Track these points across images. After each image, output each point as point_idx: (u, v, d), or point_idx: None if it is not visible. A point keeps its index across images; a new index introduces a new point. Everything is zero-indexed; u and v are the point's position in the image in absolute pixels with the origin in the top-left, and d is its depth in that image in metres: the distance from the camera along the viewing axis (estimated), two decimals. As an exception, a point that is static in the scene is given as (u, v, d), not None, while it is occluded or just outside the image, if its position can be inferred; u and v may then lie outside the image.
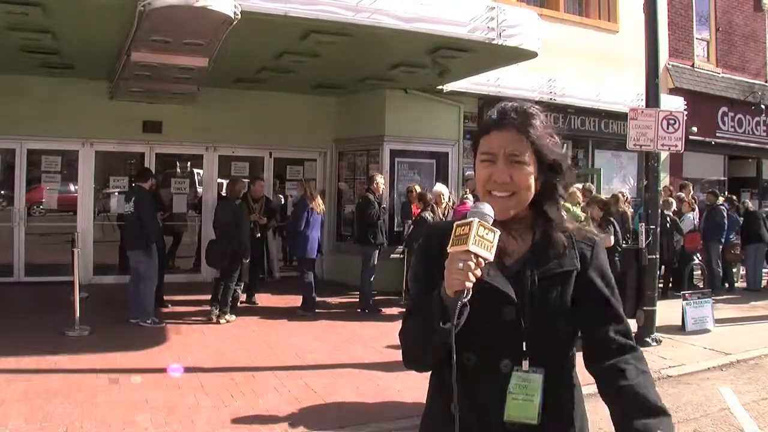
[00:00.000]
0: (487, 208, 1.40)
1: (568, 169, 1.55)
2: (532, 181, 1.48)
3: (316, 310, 8.21)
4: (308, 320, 7.83)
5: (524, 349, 1.45)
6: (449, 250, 1.35)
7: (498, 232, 1.36)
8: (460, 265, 1.32)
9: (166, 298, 8.21)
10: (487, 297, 1.40)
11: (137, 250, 7.28)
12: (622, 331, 1.51)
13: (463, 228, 1.35)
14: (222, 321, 7.44)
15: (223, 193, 10.51)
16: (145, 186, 7.45)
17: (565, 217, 1.58)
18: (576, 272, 1.50)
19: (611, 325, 1.50)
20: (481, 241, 1.33)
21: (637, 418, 1.39)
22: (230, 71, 8.70)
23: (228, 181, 8.47)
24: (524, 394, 1.43)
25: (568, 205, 5.09)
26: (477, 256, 1.33)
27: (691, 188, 11.59)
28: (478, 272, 1.34)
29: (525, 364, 1.45)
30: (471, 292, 1.33)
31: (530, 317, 1.45)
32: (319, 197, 8.50)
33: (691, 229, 10.34)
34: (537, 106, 1.55)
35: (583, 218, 5.70)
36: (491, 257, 1.35)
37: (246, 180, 8.80)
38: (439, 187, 8.85)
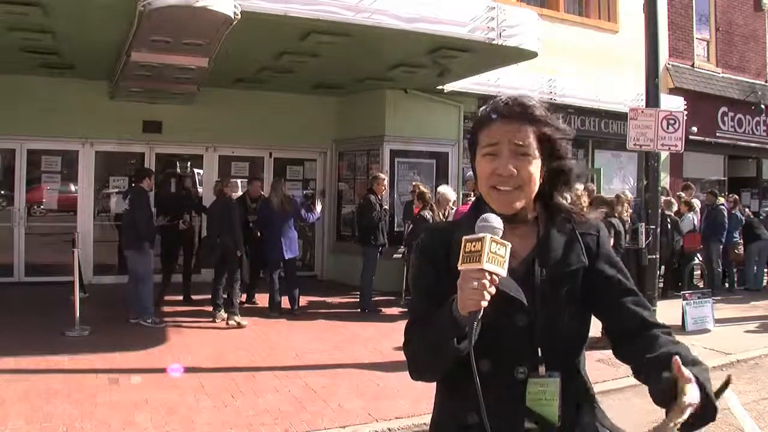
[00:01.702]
0: (497, 221, 1.34)
1: (573, 160, 1.51)
2: (537, 173, 1.44)
3: (318, 310, 8.24)
4: (307, 320, 7.85)
5: (539, 354, 1.42)
6: (460, 268, 1.30)
7: (509, 245, 1.32)
8: (475, 284, 1.27)
9: (168, 298, 8.25)
10: (498, 303, 1.34)
11: (131, 249, 7.26)
12: (643, 306, 1.48)
13: (473, 244, 1.30)
14: (231, 322, 7.31)
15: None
16: (142, 185, 7.42)
17: (568, 205, 1.55)
18: (584, 267, 1.47)
19: (630, 302, 1.47)
20: (495, 258, 1.29)
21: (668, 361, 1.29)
22: (230, 71, 8.70)
23: (222, 182, 8.37)
24: (543, 398, 1.41)
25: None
26: (491, 273, 1.29)
27: (693, 190, 11.53)
28: (493, 290, 1.29)
29: (541, 369, 1.42)
30: (482, 310, 1.30)
31: (543, 322, 1.41)
32: (275, 196, 8.19)
33: (691, 229, 10.34)
34: (535, 98, 1.51)
35: None
36: (504, 273, 1.31)
37: (237, 180, 8.80)
38: (445, 189, 8.79)
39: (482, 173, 1.45)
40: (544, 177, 1.47)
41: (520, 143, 1.42)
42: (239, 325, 7.29)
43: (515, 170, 1.41)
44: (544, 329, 1.41)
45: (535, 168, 1.44)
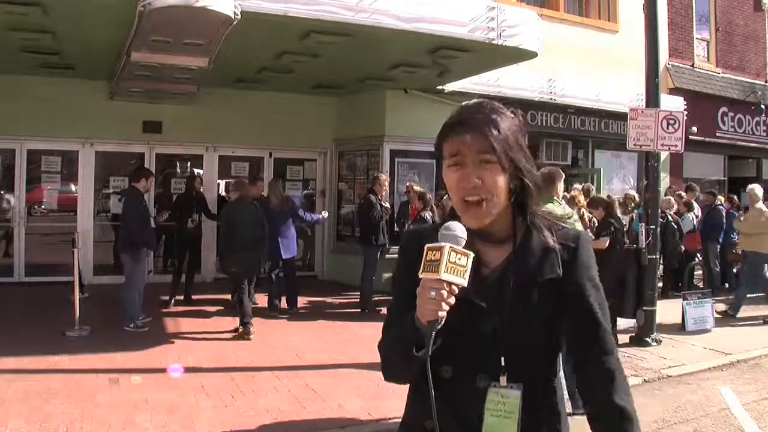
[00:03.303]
0: (460, 230, 1.31)
1: (531, 170, 1.44)
2: (503, 182, 1.38)
3: (318, 310, 8.22)
4: (307, 320, 7.84)
5: (502, 364, 1.38)
6: (420, 275, 1.28)
7: (472, 255, 1.29)
8: (432, 293, 1.26)
9: (167, 298, 8.25)
10: (463, 309, 1.31)
11: (123, 252, 7.12)
12: (607, 353, 1.44)
13: (434, 252, 1.27)
14: (252, 333, 6.84)
15: (223, 193, 10.53)
16: (137, 186, 7.23)
17: (549, 215, 1.51)
18: (558, 278, 1.42)
19: (596, 348, 1.43)
20: (454, 268, 1.26)
21: None
22: (230, 71, 8.70)
23: (244, 181, 7.88)
24: (502, 411, 1.37)
25: (551, 205, 5.10)
26: (450, 283, 1.26)
27: (696, 191, 11.51)
28: (452, 300, 1.27)
29: (503, 380, 1.38)
30: (444, 320, 1.28)
31: (508, 331, 1.38)
32: (274, 196, 8.07)
33: (690, 230, 10.33)
34: (500, 104, 1.45)
35: (572, 217, 5.67)
36: (465, 283, 1.28)
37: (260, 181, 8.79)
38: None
39: (449, 185, 1.43)
40: (516, 187, 1.42)
41: (484, 152, 1.37)
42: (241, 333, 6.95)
43: (479, 180, 1.37)
44: (508, 337, 1.38)
45: (499, 175, 1.38)
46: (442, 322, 1.28)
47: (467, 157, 1.38)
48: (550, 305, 1.41)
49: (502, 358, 1.38)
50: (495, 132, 1.37)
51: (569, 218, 5.45)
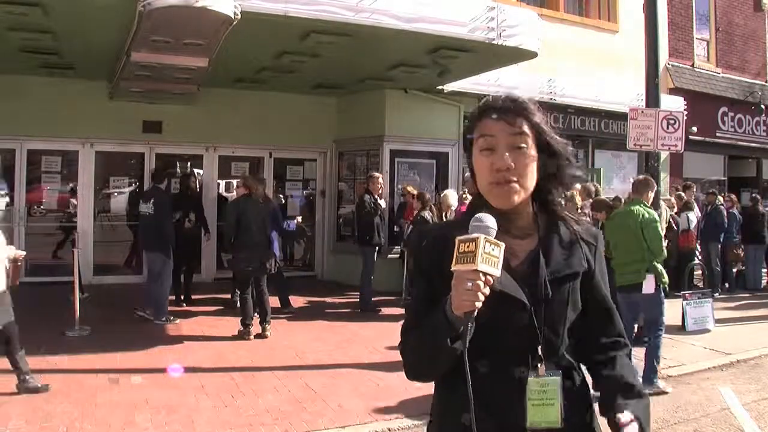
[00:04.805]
0: (490, 221, 1.34)
1: (569, 157, 1.50)
2: (534, 167, 1.44)
3: (318, 310, 8.22)
4: (305, 320, 7.85)
5: (539, 353, 1.42)
6: (454, 268, 1.30)
7: (503, 245, 1.32)
8: (469, 285, 1.28)
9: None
10: (498, 303, 1.34)
11: (157, 251, 7.29)
12: (618, 337, 1.57)
13: (467, 245, 1.30)
14: (252, 334, 6.90)
15: (221, 192, 10.52)
16: (162, 186, 7.49)
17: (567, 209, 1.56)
18: (584, 271, 1.50)
19: (610, 337, 1.56)
20: (489, 258, 1.29)
21: (617, 397, 1.46)
22: (230, 71, 8.70)
23: (252, 178, 7.80)
24: (544, 398, 1.41)
25: (639, 207, 5.27)
26: (485, 274, 1.29)
27: (693, 190, 11.50)
28: (487, 290, 1.29)
29: (541, 368, 1.42)
30: (476, 311, 1.31)
31: (544, 322, 1.42)
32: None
33: (685, 228, 10.31)
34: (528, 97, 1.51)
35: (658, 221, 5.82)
36: (498, 273, 1.31)
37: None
38: (449, 192, 8.78)
39: (480, 169, 1.45)
40: (540, 174, 1.46)
41: (516, 136, 1.42)
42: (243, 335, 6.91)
43: (512, 163, 1.40)
44: (545, 329, 1.42)
45: (531, 161, 1.43)
46: (476, 313, 1.31)
47: (500, 141, 1.42)
48: (578, 295, 1.49)
49: (539, 348, 1.42)
50: (531, 116, 1.44)
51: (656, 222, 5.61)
